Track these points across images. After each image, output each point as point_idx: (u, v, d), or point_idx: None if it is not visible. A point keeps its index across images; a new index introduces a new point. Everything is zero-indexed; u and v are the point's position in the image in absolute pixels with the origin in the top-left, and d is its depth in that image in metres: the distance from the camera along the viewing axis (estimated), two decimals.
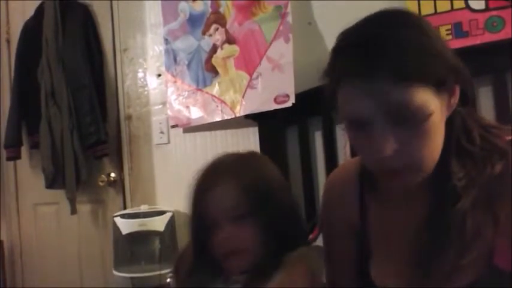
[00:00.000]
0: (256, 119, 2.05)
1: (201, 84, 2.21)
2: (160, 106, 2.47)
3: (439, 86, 0.76)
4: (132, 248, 2.26)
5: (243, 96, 2.05)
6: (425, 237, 0.81)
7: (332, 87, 0.83)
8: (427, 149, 0.77)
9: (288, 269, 0.92)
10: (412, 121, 0.74)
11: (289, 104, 1.89)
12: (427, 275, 0.79)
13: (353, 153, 1.85)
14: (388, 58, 0.73)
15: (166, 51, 2.34)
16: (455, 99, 0.82)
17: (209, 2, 2.18)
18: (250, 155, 1.09)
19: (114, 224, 2.28)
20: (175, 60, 2.30)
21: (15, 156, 2.83)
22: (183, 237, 2.28)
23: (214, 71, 2.16)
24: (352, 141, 0.85)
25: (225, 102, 2.12)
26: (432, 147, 0.78)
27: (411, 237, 0.84)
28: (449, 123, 0.81)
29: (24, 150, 2.86)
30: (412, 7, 1.72)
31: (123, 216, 2.31)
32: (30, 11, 2.80)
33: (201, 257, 1.00)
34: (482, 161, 0.80)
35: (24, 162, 2.92)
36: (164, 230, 2.21)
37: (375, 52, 0.74)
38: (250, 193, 0.96)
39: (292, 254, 0.94)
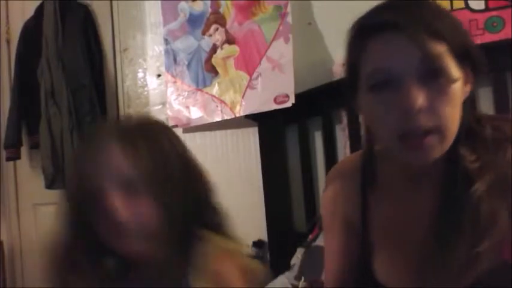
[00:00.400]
0: (256, 119, 2.05)
1: (201, 84, 2.20)
2: (160, 106, 2.47)
3: (461, 61, 0.76)
4: None
5: (242, 97, 2.05)
6: (436, 228, 0.78)
7: (357, 49, 0.79)
8: (453, 114, 0.75)
9: (215, 265, 0.82)
10: (442, 80, 0.74)
11: (289, 104, 1.89)
12: (441, 266, 0.76)
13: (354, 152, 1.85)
14: (421, 14, 0.74)
15: (166, 51, 2.33)
16: (470, 85, 0.81)
17: (209, 2, 2.18)
18: (159, 124, 0.93)
19: None
20: (175, 60, 2.30)
21: (15, 157, 2.82)
22: None
23: (214, 71, 2.16)
24: (370, 113, 0.80)
25: (224, 103, 2.12)
26: (456, 115, 0.76)
27: (419, 231, 0.80)
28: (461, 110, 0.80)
29: (24, 150, 2.86)
30: None
31: None
32: (30, 11, 2.80)
33: (85, 244, 0.84)
34: (494, 146, 0.78)
35: (24, 162, 2.92)
36: None
37: (408, 8, 0.75)
38: (151, 162, 0.81)
39: (214, 248, 0.84)
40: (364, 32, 0.79)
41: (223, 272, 0.82)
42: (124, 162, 0.81)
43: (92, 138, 0.88)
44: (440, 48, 0.73)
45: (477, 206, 0.75)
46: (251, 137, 2.14)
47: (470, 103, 0.82)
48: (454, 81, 0.74)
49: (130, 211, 0.80)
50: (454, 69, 0.75)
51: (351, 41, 0.82)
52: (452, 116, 0.75)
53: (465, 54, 0.77)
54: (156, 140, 0.86)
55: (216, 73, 2.15)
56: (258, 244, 2.05)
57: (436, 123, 0.74)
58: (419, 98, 0.72)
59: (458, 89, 0.76)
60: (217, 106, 2.14)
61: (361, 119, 0.95)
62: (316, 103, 1.94)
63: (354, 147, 1.85)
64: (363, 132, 1.84)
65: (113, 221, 0.79)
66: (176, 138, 0.91)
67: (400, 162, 0.81)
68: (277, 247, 1.97)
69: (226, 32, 2.12)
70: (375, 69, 0.76)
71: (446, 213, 0.78)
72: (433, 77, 0.73)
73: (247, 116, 2.06)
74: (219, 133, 2.26)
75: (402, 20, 0.73)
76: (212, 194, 0.94)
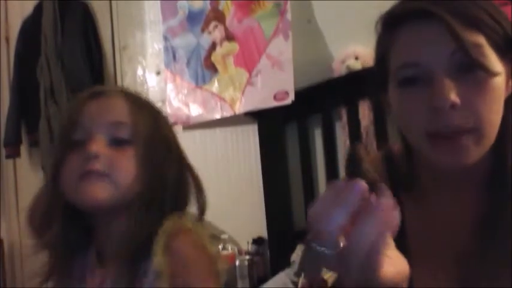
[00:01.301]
0: (256, 116, 2.05)
1: (201, 81, 2.20)
2: (159, 104, 2.45)
3: (504, 53, 0.68)
4: None
5: (242, 94, 2.05)
6: (481, 239, 0.70)
7: (386, 41, 0.74)
8: (492, 112, 0.67)
9: (172, 242, 0.82)
10: (480, 73, 0.66)
11: (288, 101, 1.89)
12: (486, 281, 0.68)
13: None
14: (457, 2, 0.68)
15: (166, 48, 2.33)
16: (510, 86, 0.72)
17: None
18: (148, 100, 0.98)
19: None
20: (174, 57, 2.29)
21: (14, 155, 2.82)
22: None
23: (214, 68, 2.16)
24: (399, 109, 0.74)
25: (224, 100, 2.11)
26: (497, 114, 0.68)
27: (460, 240, 0.73)
28: (505, 108, 0.71)
29: (23, 148, 2.85)
30: None
31: None
32: (29, 9, 2.79)
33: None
34: None
35: (23, 160, 2.92)
36: None
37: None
38: (140, 120, 0.86)
39: (173, 225, 0.84)
40: (393, 22, 0.73)
41: (178, 247, 0.83)
42: (120, 108, 0.85)
43: (95, 88, 0.92)
44: (477, 38, 0.66)
45: None
46: (251, 134, 2.14)
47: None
48: (493, 75, 0.66)
49: (106, 152, 0.82)
50: (494, 62, 0.67)
51: (379, 32, 0.77)
52: (492, 114, 0.67)
53: (508, 46, 0.69)
54: (155, 111, 0.93)
55: (216, 70, 2.15)
56: (258, 241, 2.05)
57: (472, 121, 0.66)
58: (452, 93, 0.65)
59: (500, 84, 0.68)
60: (216, 103, 2.14)
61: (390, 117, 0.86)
62: (316, 100, 1.93)
63: (353, 145, 1.85)
64: (363, 130, 1.85)
65: (87, 156, 0.81)
66: (169, 123, 0.97)
67: (432, 164, 0.72)
68: (277, 244, 1.97)
69: (226, 29, 2.12)
70: (405, 63, 0.70)
71: (492, 221, 0.70)
72: (468, 70, 0.66)
73: (246, 113, 2.06)
74: (218, 130, 2.26)
75: (434, 7, 0.67)
76: (191, 179, 0.94)
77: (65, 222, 0.86)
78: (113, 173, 0.82)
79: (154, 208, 0.85)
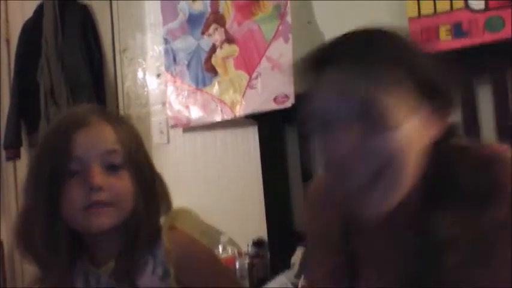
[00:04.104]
0: (256, 119, 2.05)
1: (201, 84, 2.20)
2: (160, 106, 2.46)
3: (424, 96, 0.66)
4: None
5: (242, 96, 2.05)
6: (410, 274, 0.69)
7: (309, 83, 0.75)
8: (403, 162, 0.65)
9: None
10: (377, 121, 0.65)
11: (288, 104, 1.89)
12: None
13: None
14: (353, 46, 0.69)
15: (166, 51, 2.33)
16: (439, 123, 0.69)
17: (208, 1, 2.17)
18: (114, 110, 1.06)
19: None
20: (174, 60, 2.30)
21: (14, 157, 2.82)
22: None
23: (214, 71, 2.16)
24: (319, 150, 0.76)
25: (224, 102, 2.12)
26: (407, 164, 0.66)
27: (399, 265, 0.71)
28: (430, 156, 0.68)
29: (23, 149, 2.85)
30: (412, 7, 1.72)
31: None
32: (29, 10, 2.80)
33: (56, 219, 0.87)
34: (476, 205, 0.65)
35: (24, 162, 2.92)
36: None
37: (342, 44, 0.72)
38: (126, 142, 0.90)
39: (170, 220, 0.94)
40: (312, 65, 0.74)
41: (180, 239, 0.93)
42: (107, 136, 0.89)
43: (74, 115, 0.94)
44: (375, 83, 0.64)
45: (453, 281, 0.64)
46: (251, 137, 2.14)
47: (444, 143, 0.70)
48: (390, 126, 0.64)
49: (107, 182, 0.86)
50: (400, 107, 0.64)
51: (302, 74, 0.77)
52: (399, 163, 0.64)
53: (427, 90, 0.67)
54: (130, 126, 0.98)
55: (216, 73, 2.15)
56: (258, 243, 2.05)
57: (370, 166, 0.65)
58: (345, 141, 0.66)
59: (408, 132, 0.65)
60: (217, 106, 2.14)
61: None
62: None
63: None
64: None
65: (89, 190, 0.85)
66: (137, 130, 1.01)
67: None
68: (277, 246, 1.97)
69: (226, 31, 2.12)
70: (312, 109, 0.72)
71: (418, 267, 0.68)
72: (365, 117, 0.65)
73: (247, 116, 2.06)
74: (218, 133, 2.26)
75: (329, 57, 0.69)
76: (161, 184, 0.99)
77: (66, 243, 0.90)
78: (116, 201, 0.87)
79: (152, 216, 0.92)
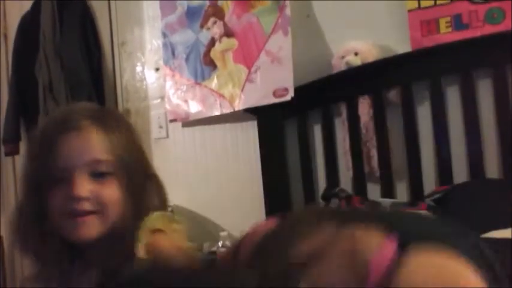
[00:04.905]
0: (255, 112, 2.04)
1: (200, 77, 2.19)
2: (158, 100, 2.45)
3: None
4: None
5: (241, 90, 2.04)
6: None
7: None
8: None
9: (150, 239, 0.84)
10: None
11: (288, 97, 1.89)
12: None
13: (352, 147, 1.85)
14: None
15: (164, 44, 2.32)
16: None
17: None
18: (113, 110, 1.01)
19: None
20: (173, 53, 2.29)
21: (13, 152, 2.82)
22: None
23: (213, 65, 2.15)
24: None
25: (223, 96, 2.11)
26: None
27: None
28: None
29: (22, 145, 2.85)
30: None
31: None
32: (27, 5, 2.78)
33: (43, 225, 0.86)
34: None
35: (22, 157, 2.92)
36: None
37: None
38: (118, 150, 0.86)
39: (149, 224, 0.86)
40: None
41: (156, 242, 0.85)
42: (97, 144, 0.85)
43: (65, 116, 0.90)
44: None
45: None
46: (250, 130, 2.13)
47: None
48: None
49: (92, 190, 0.83)
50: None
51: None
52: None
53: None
54: (125, 128, 0.92)
55: (215, 66, 2.14)
56: None
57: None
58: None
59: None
60: (216, 100, 2.13)
61: None
62: (316, 96, 1.93)
63: (353, 141, 1.84)
64: (362, 126, 1.84)
65: (72, 200, 0.82)
66: (135, 131, 0.97)
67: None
68: None
69: (225, 25, 2.11)
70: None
71: None
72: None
73: (246, 110, 2.05)
74: (218, 127, 2.25)
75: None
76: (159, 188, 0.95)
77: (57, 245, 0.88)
78: (101, 209, 0.84)
79: (137, 220, 0.86)
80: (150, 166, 0.95)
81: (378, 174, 1.82)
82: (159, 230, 0.87)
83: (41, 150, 0.87)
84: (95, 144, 0.85)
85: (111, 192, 0.85)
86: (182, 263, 0.75)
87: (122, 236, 0.85)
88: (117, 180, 0.85)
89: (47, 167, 0.84)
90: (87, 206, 0.83)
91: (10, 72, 2.86)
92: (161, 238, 0.86)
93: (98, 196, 0.84)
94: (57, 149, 0.84)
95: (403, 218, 0.56)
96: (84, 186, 0.83)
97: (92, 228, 0.84)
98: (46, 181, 0.85)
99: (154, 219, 0.87)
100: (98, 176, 0.84)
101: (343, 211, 0.54)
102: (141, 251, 0.82)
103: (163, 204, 0.94)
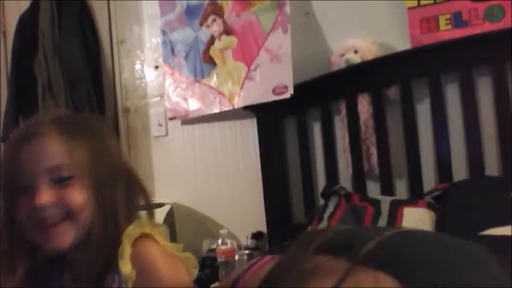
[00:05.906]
0: (255, 110, 2.04)
1: (199, 75, 2.19)
2: (158, 98, 2.45)
3: None
4: None
5: (241, 88, 2.04)
6: None
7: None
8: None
9: (135, 248, 0.83)
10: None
11: (287, 95, 1.88)
12: None
13: (352, 145, 1.85)
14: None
15: (164, 42, 2.32)
16: None
17: None
18: (94, 118, 0.97)
19: None
20: (172, 51, 2.28)
21: None
22: (183, 230, 2.28)
23: (212, 62, 2.15)
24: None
25: (223, 94, 2.10)
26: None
27: None
28: None
29: None
30: None
31: None
32: (26, 3, 2.77)
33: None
34: None
35: None
36: (163, 223, 2.20)
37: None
38: (79, 153, 0.84)
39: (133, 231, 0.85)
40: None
41: (143, 252, 0.84)
42: (57, 149, 0.83)
43: (29, 125, 0.89)
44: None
45: None
46: (250, 128, 2.13)
47: None
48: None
49: (55, 197, 0.82)
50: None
51: None
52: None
53: None
54: (93, 132, 0.90)
55: (214, 64, 2.14)
56: (257, 236, 2.05)
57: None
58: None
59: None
60: (215, 97, 2.13)
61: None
62: (315, 94, 1.93)
63: (352, 138, 1.84)
64: (362, 124, 1.84)
65: (37, 209, 0.81)
66: (110, 135, 0.96)
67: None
68: (276, 239, 1.97)
69: (224, 22, 2.11)
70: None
71: None
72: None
73: (245, 108, 2.05)
74: (217, 125, 2.25)
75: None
76: (142, 192, 0.93)
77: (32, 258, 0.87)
78: (69, 215, 0.83)
79: (111, 225, 0.85)
80: (126, 166, 0.92)
81: (377, 171, 1.83)
82: (146, 235, 0.86)
83: (6, 159, 0.86)
84: (55, 150, 0.83)
85: (75, 195, 0.83)
86: None
87: (98, 239, 0.83)
88: (80, 183, 0.83)
89: (13, 176, 0.84)
90: (53, 213, 0.82)
91: (9, 70, 2.86)
92: (150, 244, 0.85)
93: (62, 201, 0.82)
94: (20, 158, 0.83)
95: (415, 263, 0.49)
96: (46, 194, 0.81)
97: (64, 236, 0.83)
98: (13, 191, 0.84)
99: (137, 226, 0.86)
100: (60, 181, 0.83)
101: (348, 244, 0.49)
102: (126, 267, 0.82)
103: (146, 201, 0.92)
